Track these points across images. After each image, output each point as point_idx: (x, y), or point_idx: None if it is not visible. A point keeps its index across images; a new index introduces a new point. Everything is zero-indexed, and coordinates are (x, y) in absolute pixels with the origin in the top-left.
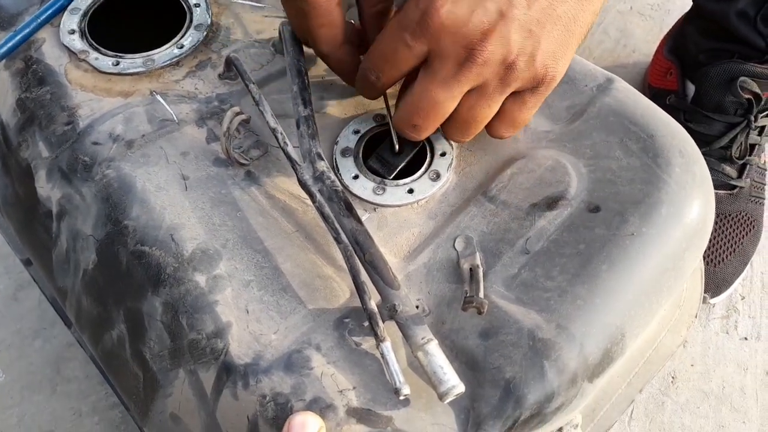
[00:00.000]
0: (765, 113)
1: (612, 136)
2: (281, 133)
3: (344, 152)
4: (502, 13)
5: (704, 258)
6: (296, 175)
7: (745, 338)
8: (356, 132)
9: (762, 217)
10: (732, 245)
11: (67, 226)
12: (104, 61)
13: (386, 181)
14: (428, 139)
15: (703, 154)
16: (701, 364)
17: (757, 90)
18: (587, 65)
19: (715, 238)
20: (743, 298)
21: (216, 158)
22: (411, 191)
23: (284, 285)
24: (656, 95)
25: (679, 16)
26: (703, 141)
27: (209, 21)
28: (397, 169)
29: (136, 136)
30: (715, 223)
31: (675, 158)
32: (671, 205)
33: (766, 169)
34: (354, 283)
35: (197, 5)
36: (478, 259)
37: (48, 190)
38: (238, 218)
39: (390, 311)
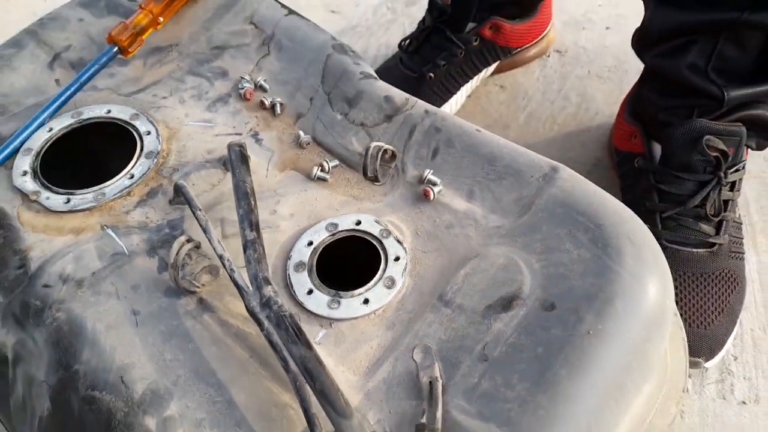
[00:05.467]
0: (734, 169)
1: (561, 228)
2: (228, 260)
3: (298, 267)
4: None
5: (694, 321)
6: (244, 302)
7: (744, 402)
8: (309, 244)
9: (744, 273)
10: (719, 305)
11: (22, 372)
12: (55, 200)
13: (341, 293)
14: (381, 244)
15: (679, 214)
16: None
17: (723, 147)
18: (532, 156)
19: (701, 299)
20: (736, 358)
21: (167, 288)
22: (366, 301)
23: (238, 419)
24: (624, 158)
25: (637, 76)
26: (676, 201)
27: (159, 147)
28: None
29: (87, 275)
30: (700, 283)
31: (625, 247)
32: (626, 298)
33: (741, 223)
34: (304, 416)
35: (148, 133)
36: (437, 371)
37: (3, 335)
38: (190, 351)
39: None
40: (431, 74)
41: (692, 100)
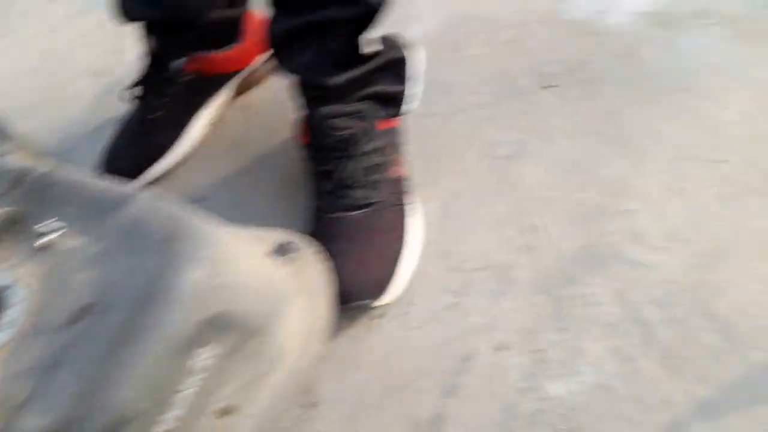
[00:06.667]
0: (368, 139)
1: (126, 243)
2: None
3: None
4: None
5: (355, 271)
6: None
7: (419, 327)
8: None
9: (403, 218)
10: (379, 252)
11: None
12: None
13: None
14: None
15: (334, 187)
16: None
17: (350, 124)
18: (115, 188)
19: (362, 253)
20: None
21: None
22: None
23: None
24: (303, 151)
25: None
26: (330, 178)
27: None
28: None
29: None
30: (361, 239)
31: (163, 246)
32: (159, 289)
33: (404, 178)
34: None
35: None
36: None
37: None
38: None
39: None
40: (159, 113)
41: (312, 92)
